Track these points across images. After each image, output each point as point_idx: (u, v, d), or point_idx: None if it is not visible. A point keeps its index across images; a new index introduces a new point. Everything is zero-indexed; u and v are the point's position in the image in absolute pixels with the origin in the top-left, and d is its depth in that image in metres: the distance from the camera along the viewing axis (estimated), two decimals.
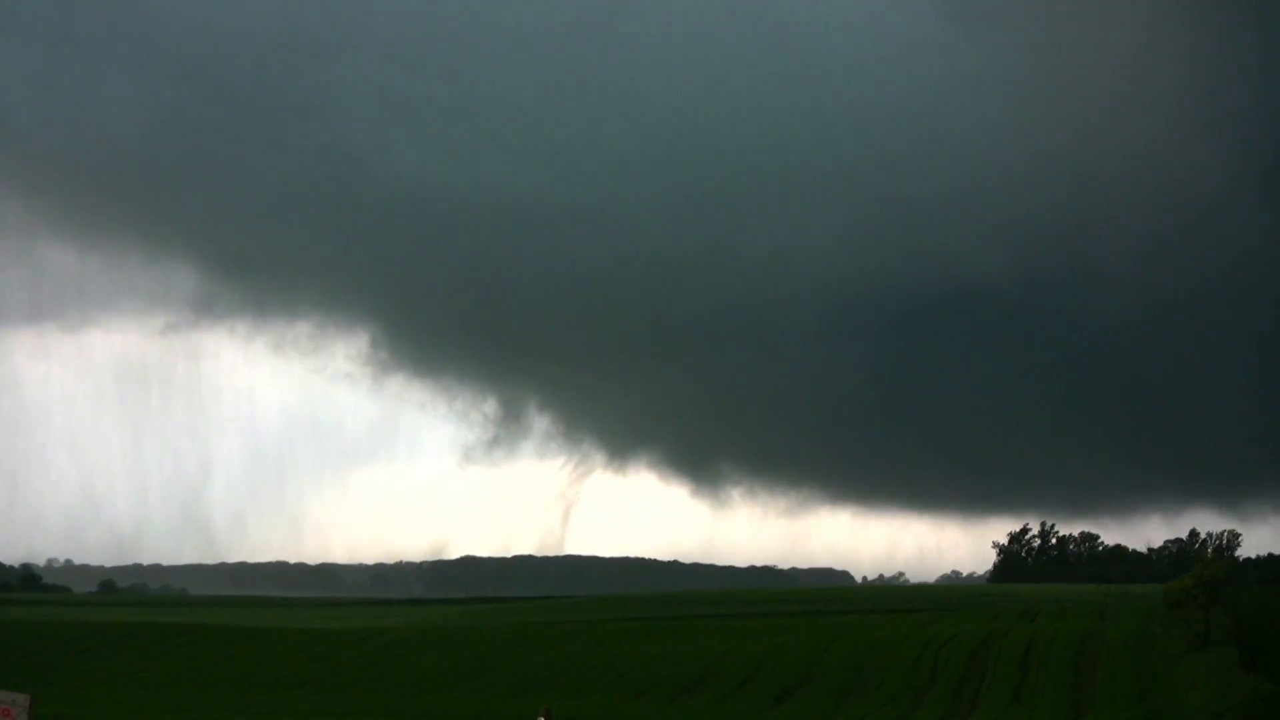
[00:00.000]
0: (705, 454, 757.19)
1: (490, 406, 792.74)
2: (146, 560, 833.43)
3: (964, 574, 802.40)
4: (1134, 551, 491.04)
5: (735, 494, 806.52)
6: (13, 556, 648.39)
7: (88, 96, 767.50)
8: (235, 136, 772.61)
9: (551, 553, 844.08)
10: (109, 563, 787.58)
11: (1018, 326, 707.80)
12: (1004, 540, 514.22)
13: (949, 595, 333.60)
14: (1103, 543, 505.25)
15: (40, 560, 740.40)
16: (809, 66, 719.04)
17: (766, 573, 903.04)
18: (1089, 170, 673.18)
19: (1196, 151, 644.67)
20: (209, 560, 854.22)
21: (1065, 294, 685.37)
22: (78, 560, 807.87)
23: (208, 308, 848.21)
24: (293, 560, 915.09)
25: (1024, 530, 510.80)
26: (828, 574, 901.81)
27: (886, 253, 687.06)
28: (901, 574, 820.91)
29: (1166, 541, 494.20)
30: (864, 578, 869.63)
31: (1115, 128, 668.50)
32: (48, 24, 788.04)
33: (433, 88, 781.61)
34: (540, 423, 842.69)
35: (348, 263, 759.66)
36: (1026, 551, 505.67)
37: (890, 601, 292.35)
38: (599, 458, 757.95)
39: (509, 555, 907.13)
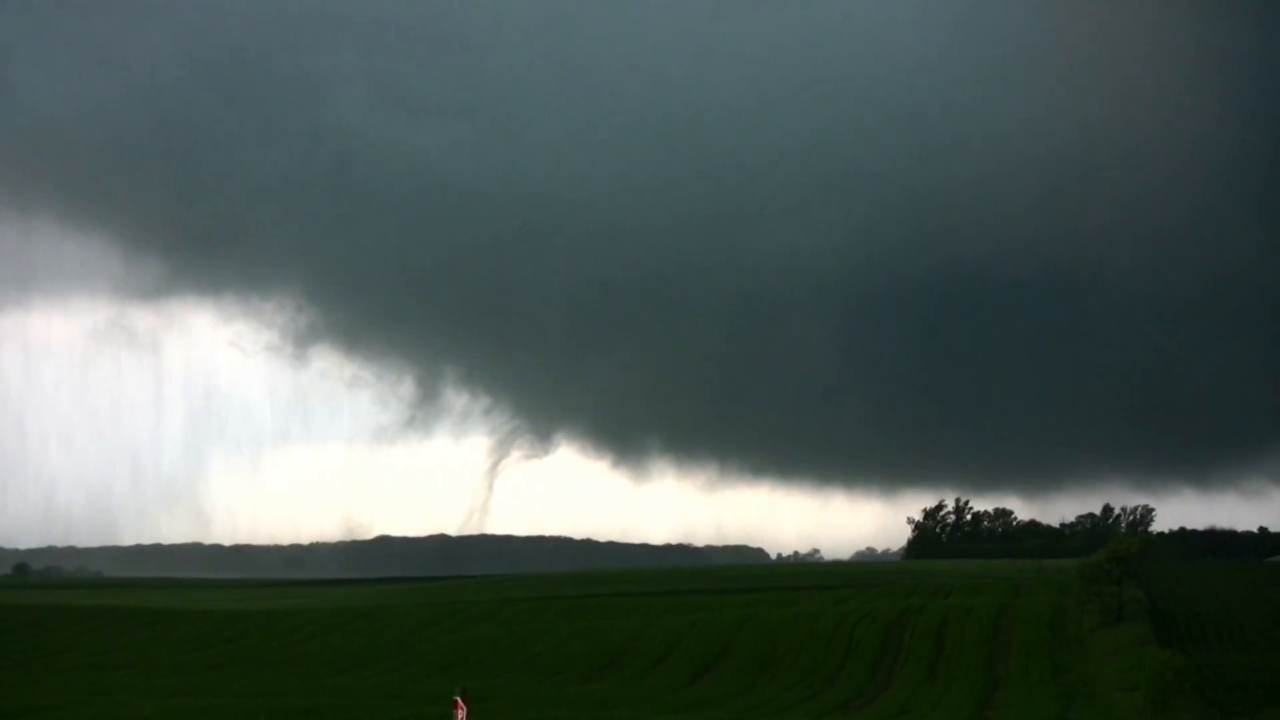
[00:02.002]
0: (630, 429, 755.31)
1: (413, 385, 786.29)
2: (61, 543, 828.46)
3: (879, 551, 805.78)
4: (1047, 527, 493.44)
5: (655, 467, 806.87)
6: None
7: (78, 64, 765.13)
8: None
9: (472, 532, 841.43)
10: (23, 545, 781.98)
11: (941, 311, 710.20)
12: (918, 516, 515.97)
13: (863, 572, 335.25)
14: (1016, 518, 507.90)
15: None
16: (821, 71, 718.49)
17: (681, 550, 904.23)
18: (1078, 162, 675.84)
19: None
20: (123, 542, 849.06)
21: (990, 277, 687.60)
22: None
23: (128, 287, 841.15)
24: (207, 542, 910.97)
25: (939, 506, 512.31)
26: (742, 551, 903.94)
27: (838, 244, 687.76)
28: (816, 551, 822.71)
29: (1079, 517, 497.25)
30: (779, 555, 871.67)
31: (1118, 124, 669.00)
32: None
33: (436, 86, 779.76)
34: (462, 399, 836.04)
35: (277, 234, 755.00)
36: (941, 528, 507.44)
37: (805, 579, 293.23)
38: (523, 436, 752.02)
39: (424, 535, 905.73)
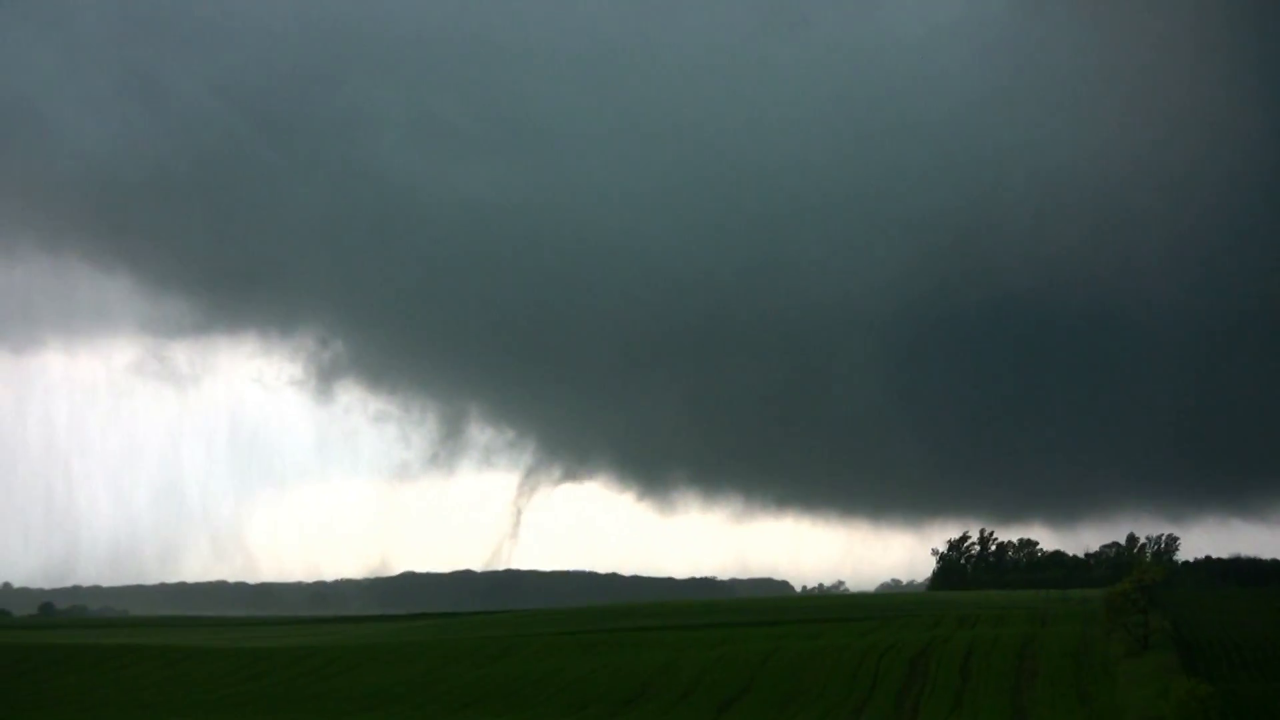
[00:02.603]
0: (655, 461, 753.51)
1: (442, 421, 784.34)
2: (86, 582, 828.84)
3: (903, 582, 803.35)
4: (1072, 557, 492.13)
5: (680, 499, 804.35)
6: None
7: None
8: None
9: (497, 567, 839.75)
10: (48, 585, 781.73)
11: (973, 346, 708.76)
12: (943, 548, 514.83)
13: (889, 603, 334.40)
14: (1041, 549, 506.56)
15: None
16: (871, 118, 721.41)
17: (706, 584, 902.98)
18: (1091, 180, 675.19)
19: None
20: (148, 581, 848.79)
21: (1028, 312, 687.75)
22: (16, 584, 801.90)
23: (155, 325, 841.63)
24: (232, 580, 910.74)
25: (963, 537, 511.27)
26: (767, 584, 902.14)
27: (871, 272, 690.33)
28: (841, 583, 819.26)
29: (1104, 546, 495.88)
30: (804, 587, 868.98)
31: (1162, 155, 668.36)
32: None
33: (475, 117, 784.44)
34: (486, 434, 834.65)
35: (303, 270, 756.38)
36: (966, 558, 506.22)
37: (830, 611, 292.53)
38: (550, 471, 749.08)
39: (449, 571, 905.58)
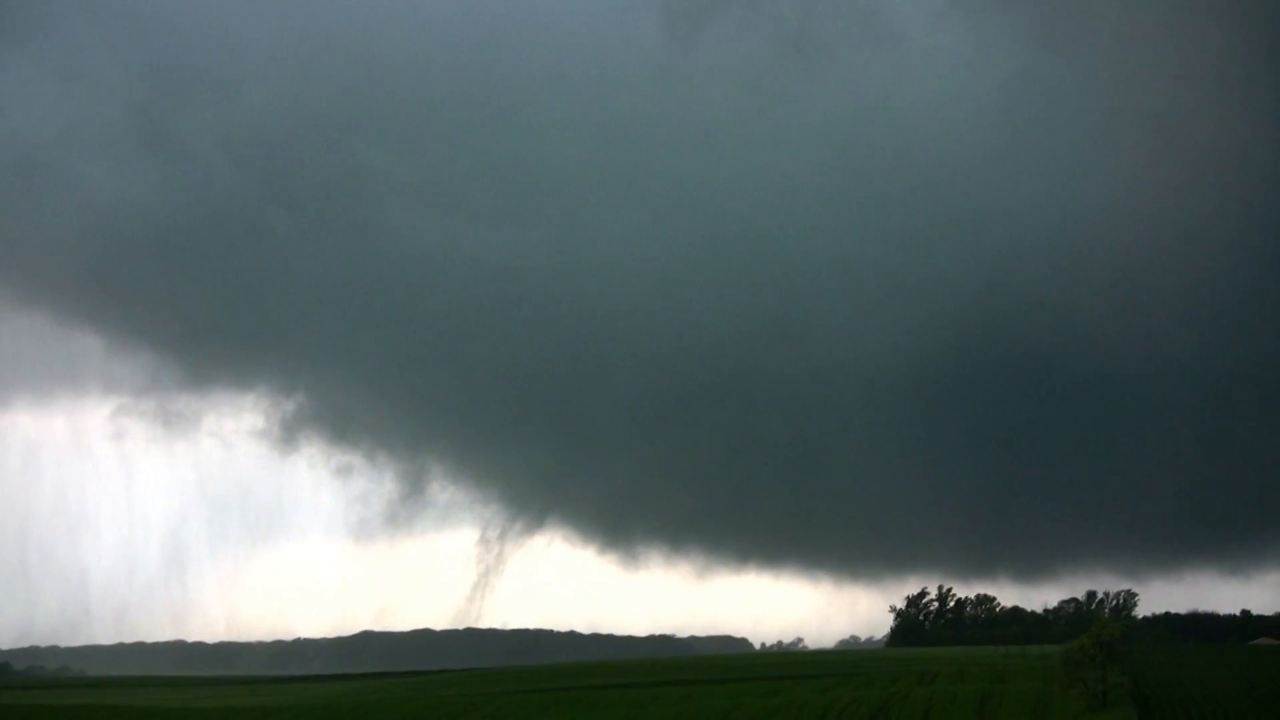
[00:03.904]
0: (618, 518, 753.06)
1: (407, 477, 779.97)
2: (43, 642, 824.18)
3: (862, 639, 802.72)
4: (1031, 613, 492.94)
5: (642, 553, 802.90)
6: None
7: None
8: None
9: (461, 625, 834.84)
10: (4, 645, 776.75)
11: (923, 398, 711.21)
12: (901, 604, 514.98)
13: (847, 660, 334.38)
14: (1000, 605, 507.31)
15: None
16: (881, 182, 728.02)
17: (665, 641, 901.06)
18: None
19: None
20: (106, 641, 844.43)
21: (969, 370, 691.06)
22: None
23: (118, 385, 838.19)
24: (191, 639, 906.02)
25: (921, 594, 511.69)
26: (726, 641, 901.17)
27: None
28: (800, 639, 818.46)
29: (1063, 602, 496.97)
30: (763, 644, 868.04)
31: (1175, 209, 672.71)
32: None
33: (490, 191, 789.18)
34: (448, 492, 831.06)
35: (262, 323, 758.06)
36: (924, 615, 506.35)
37: (789, 668, 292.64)
38: (514, 527, 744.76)
39: (409, 629, 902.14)
